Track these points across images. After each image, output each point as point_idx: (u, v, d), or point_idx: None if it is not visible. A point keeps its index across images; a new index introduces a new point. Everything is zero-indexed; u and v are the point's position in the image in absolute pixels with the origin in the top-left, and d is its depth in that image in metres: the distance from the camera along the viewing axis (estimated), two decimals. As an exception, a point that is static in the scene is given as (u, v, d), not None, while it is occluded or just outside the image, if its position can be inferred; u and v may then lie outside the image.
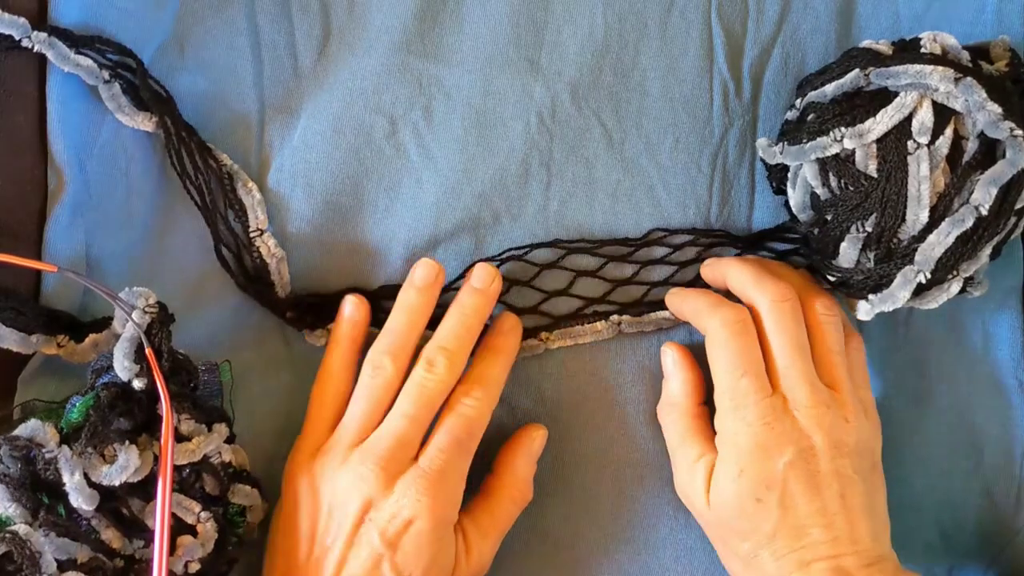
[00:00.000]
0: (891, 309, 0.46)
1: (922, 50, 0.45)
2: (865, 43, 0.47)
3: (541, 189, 0.51)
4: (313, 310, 0.51)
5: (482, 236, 0.51)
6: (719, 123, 0.51)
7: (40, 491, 0.42)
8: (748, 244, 0.52)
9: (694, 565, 0.51)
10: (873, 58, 0.46)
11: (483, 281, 0.49)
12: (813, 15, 0.51)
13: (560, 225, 0.52)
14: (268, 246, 0.50)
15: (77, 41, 0.48)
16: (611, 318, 0.52)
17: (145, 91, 0.49)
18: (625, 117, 0.51)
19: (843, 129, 0.45)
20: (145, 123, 0.49)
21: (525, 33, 0.51)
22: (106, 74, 0.48)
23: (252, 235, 0.50)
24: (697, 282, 0.52)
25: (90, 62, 0.48)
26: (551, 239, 0.51)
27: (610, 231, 0.52)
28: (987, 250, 0.45)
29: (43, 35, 0.47)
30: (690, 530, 0.51)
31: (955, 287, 0.46)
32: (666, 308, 0.51)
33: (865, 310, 0.47)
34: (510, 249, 0.51)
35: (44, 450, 0.42)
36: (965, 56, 0.45)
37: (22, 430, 0.42)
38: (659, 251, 0.52)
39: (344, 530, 0.45)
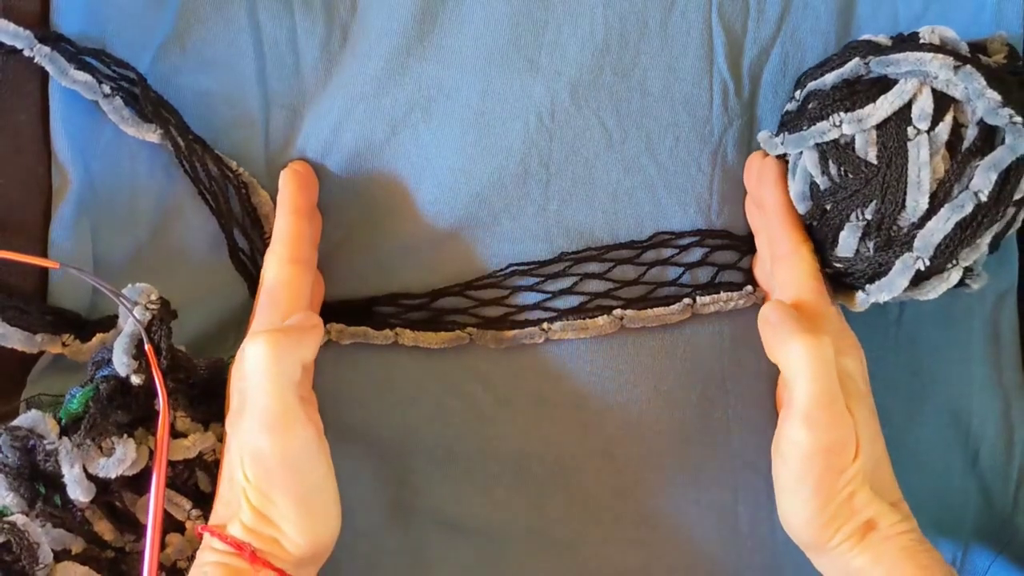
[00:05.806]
0: (890, 298, 0.46)
1: (921, 41, 0.45)
2: (864, 36, 0.47)
3: (540, 189, 0.51)
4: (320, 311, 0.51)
5: (481, 236, 0.51)
6: (719, 122, 0.51)
7: (37, 481, 0.42)
8: (750, 244, 0.52)
9: (697, 563, 0.51)
10: (873, 49, 0.46)
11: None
12: (813, 15, 0.51)
13: (560, 225, 0.51)
14: None
15: (80, 51, 0.48)
16: (614, 312, 0.51)
17: (148, 106, 0.49)
18: (625, 116, 0.51)
19: (842, 114, 0.45)
20: (149, 135, 0.49)
21: (525, 33, 0.51)
22: (107, 88, 0.48)
23: (268, 240, 0.50)
24: (696, 290, 0.52)
25: (88, 77, 0.48)
26: (551, 240, 0.51)
27: (611, 231, 0.51)
28: (986, 239, 0.45)
29: (45, 49, 0.47)
30: (692, 528, 0.51)
31: (955, 276, 0.45)
32: (668, 305, 0.51)
33: (861, 300, 0.47)
34: (512, 265, 0.51)
35: (45, 441, 0.42)
36: (964, 47, 0.45)
37: (22, 420, 0.43)
38: (664, 252, 0.52)
39: None
